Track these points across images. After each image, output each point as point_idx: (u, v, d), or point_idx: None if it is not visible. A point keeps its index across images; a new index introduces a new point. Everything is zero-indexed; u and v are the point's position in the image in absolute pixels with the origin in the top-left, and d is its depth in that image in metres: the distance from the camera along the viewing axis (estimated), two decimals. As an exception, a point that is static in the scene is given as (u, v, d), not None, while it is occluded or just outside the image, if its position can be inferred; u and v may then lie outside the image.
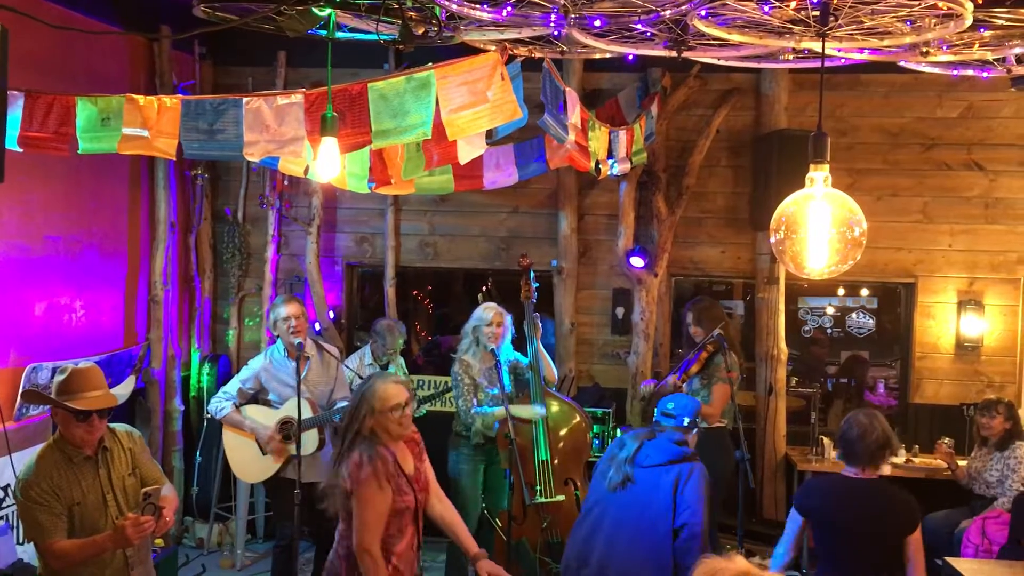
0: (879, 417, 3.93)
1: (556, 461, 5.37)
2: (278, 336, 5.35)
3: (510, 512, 5.08)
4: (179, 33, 6.14)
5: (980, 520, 5.60)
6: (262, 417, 5.30)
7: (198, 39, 6.89)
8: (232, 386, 5.39)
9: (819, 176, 3.26)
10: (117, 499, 3.47)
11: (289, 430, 5.20)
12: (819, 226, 3.17)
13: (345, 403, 5.22)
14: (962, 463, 6.08)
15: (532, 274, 5.66)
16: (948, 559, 4.87)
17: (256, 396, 5.44)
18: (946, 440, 6.17)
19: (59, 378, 3.44)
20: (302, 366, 5.22)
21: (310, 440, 5.25)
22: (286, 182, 7.06)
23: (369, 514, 3.45)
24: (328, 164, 3.36)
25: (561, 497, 5.29)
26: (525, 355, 5.60)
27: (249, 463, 5.37)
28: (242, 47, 6.86)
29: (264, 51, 6.89)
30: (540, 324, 5.64)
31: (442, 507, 3.86)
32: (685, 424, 4.31)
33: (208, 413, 5.66)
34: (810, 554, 6.27)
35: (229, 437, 5.40)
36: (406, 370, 6.48)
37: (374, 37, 3.80)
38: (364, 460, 3.46)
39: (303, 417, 5.12)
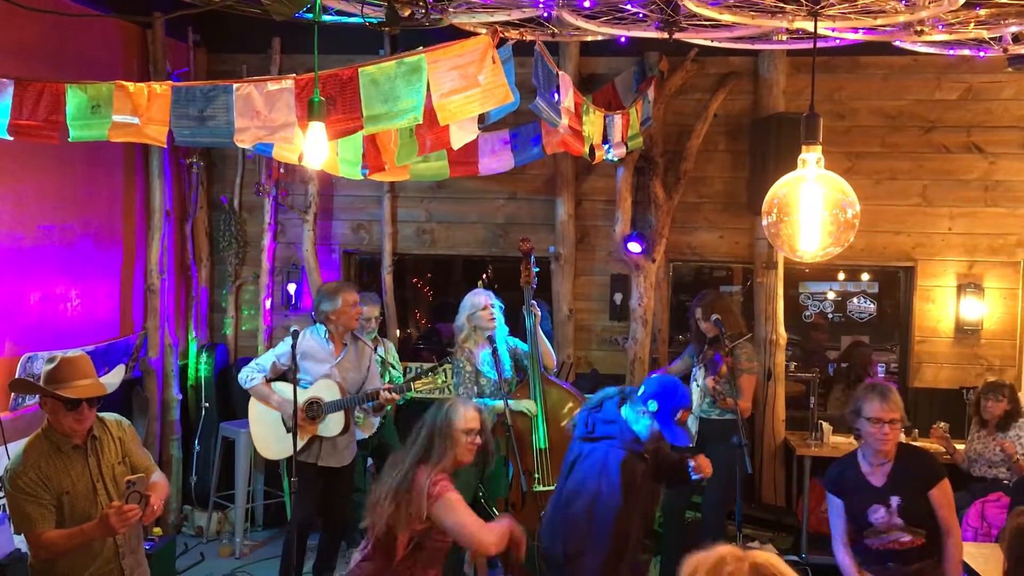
0: (860, 388, 3.96)
1: (555, 449, 5.35)
2: (320, 322, 5.38)
3: (507, 500, 5.07)
4: (171, 22, 6.11)
5: (979, 504, 5.59)
6: (291, 394, 5.28)
7: (192, 26, 6.87)
8: (266, 359, 5.42)
9: (811, 157, 3.22)
10: (107, 488, 3.45)
11: (316, 410, 5.27)
12: (811, 208, 3.13)
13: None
14: (960, 447, 6.06)
15: (533, 258, 5.62)
16: (946, 542, 4.85)
17: (284, 375, 5.46)
18: (941, 425, 6.15)
19: (48, 367, 3.41)
20: (338, 352, 5.40)
21: (335, 422, 5.30)
22: (282, 170, 7.03)
23: (466, 514, 3.43)
24: (316, 149, 3.33)
25: (560, 485, 5.28)
26: (524, 340, 5.58)
27: (270, 438, 5.40)
28: (236, 34, 6.83)
29: (259, 38, 6.86)
30: (539, 310, 5.61)
31: None
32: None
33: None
34: (810, 540, 6.28)
35: (255, 410, 5.43)
36: (396, 355, 6.44)
37: (360, 20, 3.76)
38: (439, 474, 3.46)
39: (330, 399, 5.26)
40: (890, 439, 3.74)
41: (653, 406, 3.90)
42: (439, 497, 3.38)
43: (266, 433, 5.42)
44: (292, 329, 5.08)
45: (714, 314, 5.52)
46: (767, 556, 1.76)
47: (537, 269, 5.65)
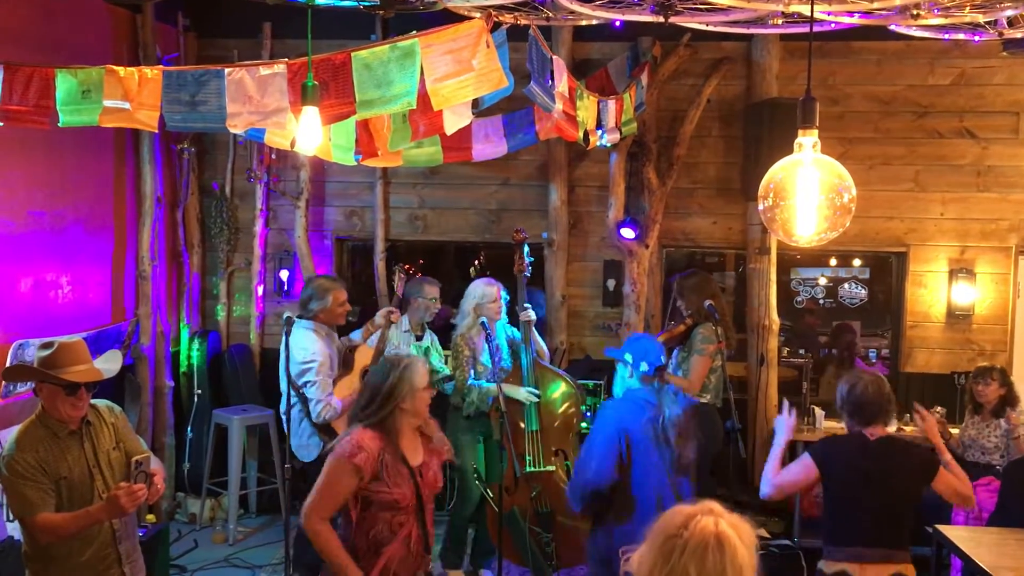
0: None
1: (546, 432, 5.38)
2: (307, 318, 5.22)
3: (501, 483, 5.09)
4: (160, 6, 6.06)
5: (970, 488, 5.62)
6: (348, 387, 5.21)
7: (182, 11, 6.81)
8: (322, 388, 5.09)
9: (808, 142, 3.21)
10: (103, 473, 3.45)
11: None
12: (808, 192, 3.12)
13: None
14: (954, 431, 6.09)
15: (526, 249, 5.63)
16: (938, 526, 4.88)
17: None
18: (938, 409, 6.17)
19: (44, 353, 3.40)
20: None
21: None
22: (273, 155, 6.99)
23: (324, 485, 3.39)
24: (309, 134, 3.32)
25: (551, 467, 5.32)
26: (518, 330, 5.61)
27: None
28: (227, 19, 6.79)
29: (249, 22, 6.81)
30: (533, 314, 5.57)
31: None
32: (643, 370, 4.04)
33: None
34: (802, 524, 6.31)
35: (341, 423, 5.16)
36: (439, 347, 6.11)
37: (354, 4, 3.73)
38: (355, 437, 3.39)
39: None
40: None
41: (644, 367, 4.03)
42: (332, 454, 3.41)
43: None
44: (285, 316, 5.04)
45: (682, 291, 5.58)
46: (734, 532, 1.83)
47: (532, 259, 5.66)
